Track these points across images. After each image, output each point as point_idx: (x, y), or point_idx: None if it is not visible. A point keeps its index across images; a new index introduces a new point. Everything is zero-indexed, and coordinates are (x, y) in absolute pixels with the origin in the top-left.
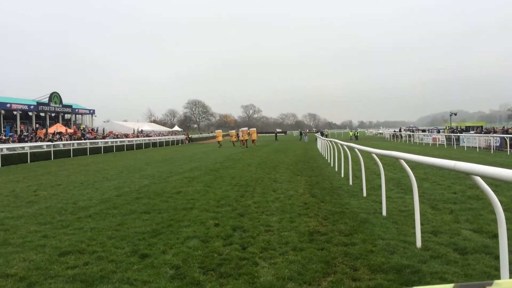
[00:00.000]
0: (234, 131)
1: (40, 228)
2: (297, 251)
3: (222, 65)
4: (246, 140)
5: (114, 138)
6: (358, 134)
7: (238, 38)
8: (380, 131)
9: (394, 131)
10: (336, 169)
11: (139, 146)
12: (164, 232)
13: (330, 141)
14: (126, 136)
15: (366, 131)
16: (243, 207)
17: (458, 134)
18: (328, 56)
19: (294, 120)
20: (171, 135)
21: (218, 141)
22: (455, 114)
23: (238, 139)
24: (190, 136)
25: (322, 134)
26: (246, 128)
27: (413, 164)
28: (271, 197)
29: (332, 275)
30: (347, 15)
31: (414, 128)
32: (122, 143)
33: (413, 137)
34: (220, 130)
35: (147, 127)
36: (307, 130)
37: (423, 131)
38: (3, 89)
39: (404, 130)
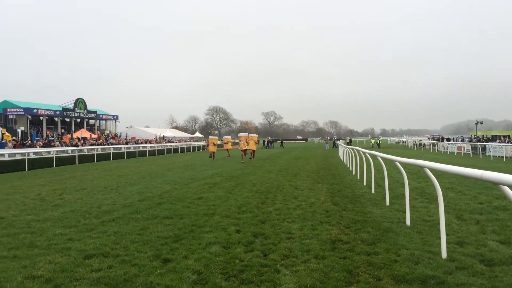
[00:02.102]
0: (229, 136)
1: (66, 231)
2: (319, 259)
3: (243, 72)
4: (244, 150)
5: (136, 144)
6: (380, 142)
7: (260, 45)
8: (403, 139)
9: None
10: (358, 177)
11: (160, 152)
12: (186, 238)
13: (352, 148)
14: (149, 142)
15: (388, 139)
16: (264, 214)
17: (484, 143)
18: (350, 64)
19: (315, 127)
20: (193, 141)
21: (212, 152)
22: (481, 123)
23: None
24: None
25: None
26: (245, 134)
27: (437, 173)
28: (292, 204)
29: (354, 284)
30: (368, 23)
31: (439, 137)
32: (144, 149)
33: (437, 146)
34: (229, 136)
35: (169, 133)
36: (328, 138)
37: (448, 140)
38: (30, 94)
39: (428, 138)
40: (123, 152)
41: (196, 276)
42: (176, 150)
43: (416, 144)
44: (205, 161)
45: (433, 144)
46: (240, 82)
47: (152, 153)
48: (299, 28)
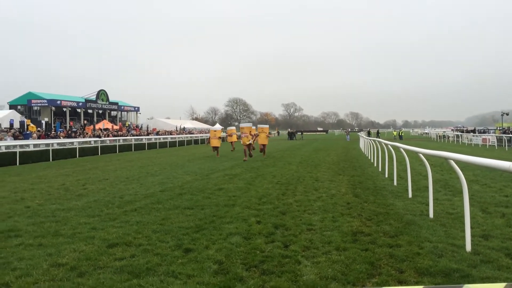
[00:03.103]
0: (233, 128)
1: (89, 220)
2: (340, 251)
3: (263, 63)
4: (248, 145)
5: (157, 135)
6: (402, 134)
7: (279, 36)
8: (426, 131)
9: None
10: (380, 169)
11: (181, 143)
12: (207, 228)
13: (374, 140)
14: (170, 133)
15: (411, 131)
16: (285, 205)
17: (510, 135)
18: (371, 53)
19: (335, 119)
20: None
21: (215, 147)
22: (507, 114)
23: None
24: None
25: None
26: (248, 125)
27: (462, 165)
28: (313, 196)
29: (376, 277)
30: (389, 10)
31: (464, 129)
32: (165, 140)
33: (461, 138)
34: (233, 128)
35: (189, 124)
36: (349, 130)
37: (473, 131)
38: (54, 86)
39: (452, 130)
40: (144, 143)
41: (217, 266)
42: (196, 142)
43: (439, 136)
44: (226, 153)
45: (457, 136)
46: (260, 73)
47: (172, 144)
48: (318, 19)
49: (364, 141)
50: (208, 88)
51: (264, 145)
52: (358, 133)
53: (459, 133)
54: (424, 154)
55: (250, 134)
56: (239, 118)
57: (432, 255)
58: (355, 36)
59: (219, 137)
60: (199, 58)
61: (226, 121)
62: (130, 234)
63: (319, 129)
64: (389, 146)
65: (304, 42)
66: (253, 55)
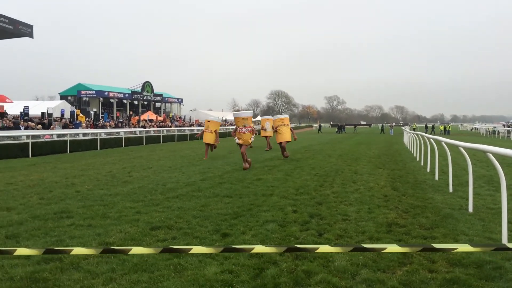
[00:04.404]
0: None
1: (134, 205)
2: (373, 240)
3: (306, 55)
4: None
5: (199, 126)
6: (449, 129)
7: (323, 28)
8: (475, 126)
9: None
10: (422, 164)
11: (222, 134)
12: (244, 215)
13: (416, 134)
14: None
15: (459, 126)
16: (322, 196)
17: None
18: (418, 44)
19: (380, 112)
20: (254, 124)
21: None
22: None
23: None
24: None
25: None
26: (248, 114)
27: (509, 161)
28: (351, 188)
29: (408, 265)
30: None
31: None
32: None
33: None
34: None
35: (231, 116)
36: (393, 123)
37: None
38: (102, 78)
39: (503, 125)
40: (187, 134)
41: None
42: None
43: (489, 131)
44: (265, 144)
45: (508, 132)
46: (303, 65)
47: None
48: (363, 10)
49: (407, 136)
50: (250, 80)
51: (283, 143)
52: (402, 128)
53: (510, 129)
54: (464, 148)
55: (252, 130)
56: (280, 110)
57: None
58: (400, 27)
59: (215, 132)
60: (242, 50)
61: (268, 113)
62: (172, 219)
63: (362, 122)
64: (431, 140)
65: (348, 34)
66: (296, 47)
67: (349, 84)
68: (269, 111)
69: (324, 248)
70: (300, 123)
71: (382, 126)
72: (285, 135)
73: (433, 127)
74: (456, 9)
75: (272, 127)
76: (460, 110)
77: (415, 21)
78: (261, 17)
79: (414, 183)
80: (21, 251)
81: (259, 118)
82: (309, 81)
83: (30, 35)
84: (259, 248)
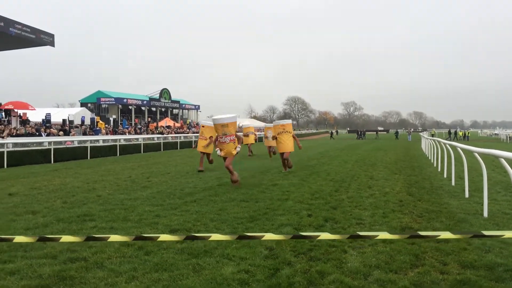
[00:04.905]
0: (250, 125)
1: (153, 209)
2: (386, 244)
3: (323, 61)
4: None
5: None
6: (469, 134)
7: (339, 34)
8: (496, 132)
9: None
10: (439, 169)
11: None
12: (260, 219)
13: (433, 140)
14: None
15: (479, 132)
16: (337, 201)
17: None
18: (436, 48)
19: (397, 118)
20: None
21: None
22: None
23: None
24: None
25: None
26: (231, 119)
27: None
28: (366, 193)
29: (419, 267)
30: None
31: None
32: None
33: None
34: (251, 125)
35: (248, 122)
36: (412, 129)
37: None
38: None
39: None
40: None
41: (268, 251)
42: (260, 139)
43: (509, 137)
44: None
45: None
46: (319, 72)
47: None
48: (380, 14)
49: (425, 142)
50: (266, 87)
51: (285, 154)
52: (420, 133)
53: None
54: (478, 153)
55: (230, 137)
56: (297, 117)
57: (478, 251)
58: (419, 31)
59: (210, 139)
60: (259, 57)
61: (284, 119)
62: (190, 222)
63: (379, 128)
64: (447, 146)
65: (364, 39)
66: (312, 52)
67: (366, 90)
68: (285, 117)
69: (324, 235)
70: (317, 129)
71: (396, 132)
72: (286, 144)
73: (455, 133)
74: (475, 11)
75: (274, 136)
76: (480, 116)
77: (433, 24)
78: (277, 23)
79: (430, 188)
80: (66, 238)
81: (270, 124)
82: (325, 88)
83: (52, 43)
84: (268, 236)
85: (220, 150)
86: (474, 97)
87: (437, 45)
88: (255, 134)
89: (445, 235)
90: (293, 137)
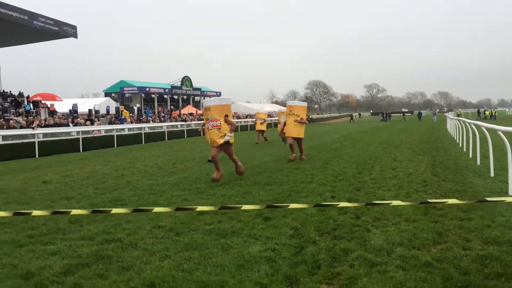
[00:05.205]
0: (263, 111)
1: (181, 193)
2: (409, 222)
3: (344, 43)
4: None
5: (238, 118)
6: (495, 114)
7: (358, 15)
8: None
9: None
10: (464, 150)
11: (274, 124)
12: (285, 201)
13: (458, 120)
14: (249, 116)
15: (507, 110)
16: (360, 183)
17: None
18: (461, 25)
19: (422, 99)
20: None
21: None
22: None
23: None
24: (310, 116)
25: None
26: (222, 101)
27: None
28: (389, 175)
29: (442, 244)
30: None
31: None
32: (246, 123)
33: None
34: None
35: (269, 107)
36: (437, 110)
37: None
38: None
39: None
40: None
41: (293, 231)
42: (275, 125)
43: None
44: (304, 135)
45: None
46: (340, 54)
47: (252, 127)
48: None
49: (450, 122)
50: (288, 71)
51: (299, 140)
52: (445, 114)
53: None
54: (502, 131)
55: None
56: (319, 100)
57: (502, 228)
58: (441, 3)
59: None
60: (279, 41)
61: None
62: (217, 205)
63: (403, 110)
64: (472, 125)
65: (385, 17)
66: (333, 34)
67: (389, 71)
68: (307, 101)
69: (343, 204)
70: (339, 113)
71: (419, 113)
72: (292, 128)
73: (484, 112)
74: None
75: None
76: (508, 94)
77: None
78: (296, 7)
79: (455, 168)
80: (116, 210)
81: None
82: (347, 70)
83: (74, 35)
84: (293, 205)
85: (207, 135)
86: (501, 75)
87: (462, 23)
88: (264, 120)
89: (452, 201)
90: (302, 120)
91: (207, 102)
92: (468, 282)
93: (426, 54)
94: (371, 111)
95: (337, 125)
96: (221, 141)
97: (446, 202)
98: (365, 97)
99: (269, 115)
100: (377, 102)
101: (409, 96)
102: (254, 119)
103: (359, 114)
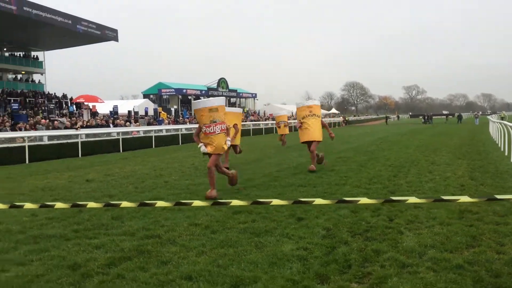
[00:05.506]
0: (283, 114)
1: None
2: (443, 226)
3: (382, 44)
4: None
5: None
6: None
7: (398, 14)
8: None
9: None
10: (506, 154)
11: (295, 128)
12: None
13: (500, 123)
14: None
15: None
16: (395, 186)
17: None
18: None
19: (464, 101)
20: (328, 117)
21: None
22: None
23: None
24: (347, 118)
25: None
26: (218, 102)
27: None
28: (425, 178)
29: (475, 248)
30: None
31: None
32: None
33: None
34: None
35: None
36: (479, 112)
37: None
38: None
39: None
40: (262, 128)
41: (325, 232)
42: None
43: None
44: (341, 137)
45: None
46: (378, 55)
47: (289, 129)
48: None
49: (492, 125)
50: (324, 73)
51: (317, 143)
52: (488, 117)
53: None
54: None
55: (221, 126)
56: (356, 102)
57: None
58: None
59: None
60: (315, 42)
61: (342, 105)
62: (251, 205)
63: (444, 112)
64: None
65: (427, 17)
66: (370, 35)
67: (430, 72)
68: (343, 103)
69: (363, 200)
70: (377, 115)
71: (459, 115)
72: (313, 131)
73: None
74: None
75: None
76: None
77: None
78: (332, 7)
79: (495, 172)
80: (160, 203)
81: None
82: (385, 71)
83: (115, 38)
84: (318, 201)
85: (206, 145)
86: None
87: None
88: (287, 123)
89: (464, 199)
90: (322, 123)
91: (209, 102)
92: (499, 284)
93: (469, 54)
94: (410, 113)
95: (374, 127)
96: (226, 147)
97: (458, 199)
98: (404, 99)
99: (288, 118)
100: (416, 104)
101: (451, 98)
102: (275, 122)
103: (398, 117)
